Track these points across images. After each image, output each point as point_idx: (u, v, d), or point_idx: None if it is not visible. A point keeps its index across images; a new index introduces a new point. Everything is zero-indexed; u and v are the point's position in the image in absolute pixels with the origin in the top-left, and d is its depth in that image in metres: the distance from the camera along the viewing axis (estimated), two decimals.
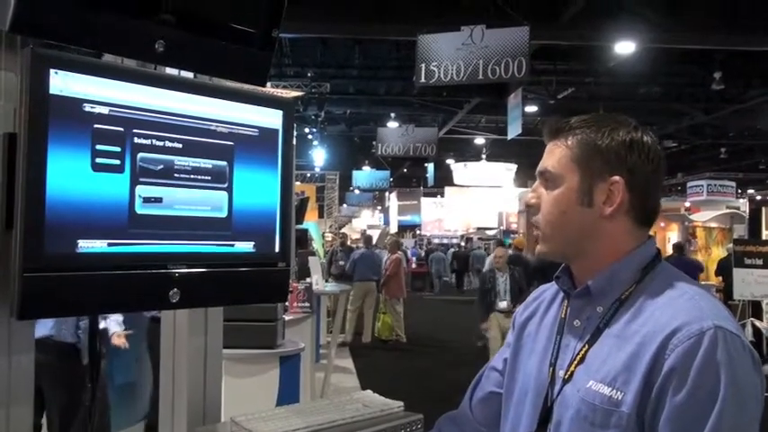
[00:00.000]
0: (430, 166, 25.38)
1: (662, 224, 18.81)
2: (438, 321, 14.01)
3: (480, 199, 29.41)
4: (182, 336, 1.84)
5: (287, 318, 5.21)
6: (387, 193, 34.76)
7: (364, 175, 27.97)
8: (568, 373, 1.33)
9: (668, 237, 18.13)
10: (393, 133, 18.80)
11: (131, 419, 5.03)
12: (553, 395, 1.35)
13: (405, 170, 30.42)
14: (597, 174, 1.34)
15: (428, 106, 18.76)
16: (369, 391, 1.84)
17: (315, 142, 23.06)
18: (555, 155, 1.39)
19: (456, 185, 28.29)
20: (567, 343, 1.38)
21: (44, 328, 3.91)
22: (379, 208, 39.05)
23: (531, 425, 1.38)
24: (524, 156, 22.80)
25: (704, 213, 17.75)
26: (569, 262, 1.43)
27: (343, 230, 27.18)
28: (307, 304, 6.16)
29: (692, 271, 12.94)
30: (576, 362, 1.33)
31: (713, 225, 16.50)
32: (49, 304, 1.34)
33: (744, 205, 20.72)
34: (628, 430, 1.22)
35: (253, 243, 1.64)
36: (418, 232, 33.53)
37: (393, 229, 32.71)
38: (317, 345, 8.12)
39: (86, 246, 1.36)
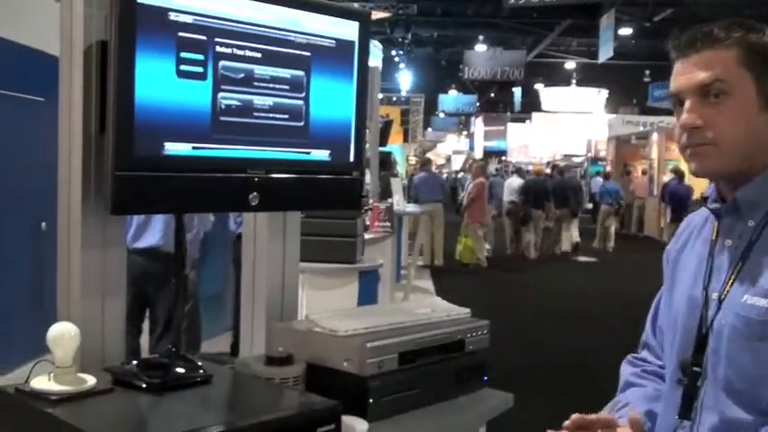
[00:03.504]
0: (517, 91, 24.97)
1: None
2: None
3: (569, 125, 28.69)
4: (262, 240, 1.94)
5: (368, 236, 5.33)
6: (473, 118, 34.37)
7: (450, 99, 27.75)
8: (724, 293, 1.27)
9: None
10: (480, 56, 18.53)
11: (218, 328, 5.31)
12: (708, 320, 1.29)
13: (492, 95, 29.99)
14: None
15: (517, 28, 18.29)
16: (438, 298, 1.91)
17: (401, 65, 22.89)
18: (714, 64, 1.25)
19: (544, 111, 27.70)
20: (719, 264, 1.31)
21: (153, 238, 4.09)
22: (465, 133, 38.68)
23: (687, 352, 1.32)
24: (616, 81, 22.08)
25: None
26: (735, 181, 1.30)
27: (427, 155, 27.09)
28: (388, 224, 6.28)
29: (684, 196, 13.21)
30: (730, 282, 1.27)
31: None
32: (137, 202, 1.45)
33: None
34: None
35: (328, 152, 1.71)
36: (504, 158, 33.15)
37: (478, 154, 32.44)
38: (397, 265, 8.27)
39: (172, 148, 1.44)
